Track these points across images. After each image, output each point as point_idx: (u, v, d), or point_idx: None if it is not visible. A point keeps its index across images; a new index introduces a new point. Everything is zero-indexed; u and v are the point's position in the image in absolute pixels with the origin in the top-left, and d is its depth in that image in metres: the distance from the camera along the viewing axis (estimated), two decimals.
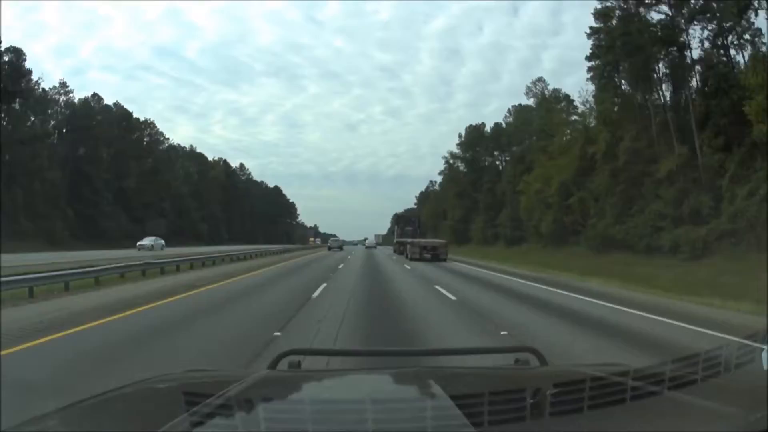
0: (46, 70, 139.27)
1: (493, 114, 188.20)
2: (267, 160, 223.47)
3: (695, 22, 29.24)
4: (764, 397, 1.15)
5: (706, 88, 28.03)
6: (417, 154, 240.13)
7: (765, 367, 1.41)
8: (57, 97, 57.81)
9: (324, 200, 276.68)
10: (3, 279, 10.89)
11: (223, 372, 2.67)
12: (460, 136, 69.48)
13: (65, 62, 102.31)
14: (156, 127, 75.07)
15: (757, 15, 26.58)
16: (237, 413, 1.22)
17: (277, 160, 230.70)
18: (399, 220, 49.47)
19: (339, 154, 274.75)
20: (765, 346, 1.47)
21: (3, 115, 47.53)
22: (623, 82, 34.43)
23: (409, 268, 24.80)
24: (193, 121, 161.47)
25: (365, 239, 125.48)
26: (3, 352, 6.10)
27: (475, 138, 67.10)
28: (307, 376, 1.85)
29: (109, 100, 65.93)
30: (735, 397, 1.30)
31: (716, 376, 1.37)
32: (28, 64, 50.16)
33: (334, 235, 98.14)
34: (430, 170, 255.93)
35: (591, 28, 34.33)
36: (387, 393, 1.61)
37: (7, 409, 2.79)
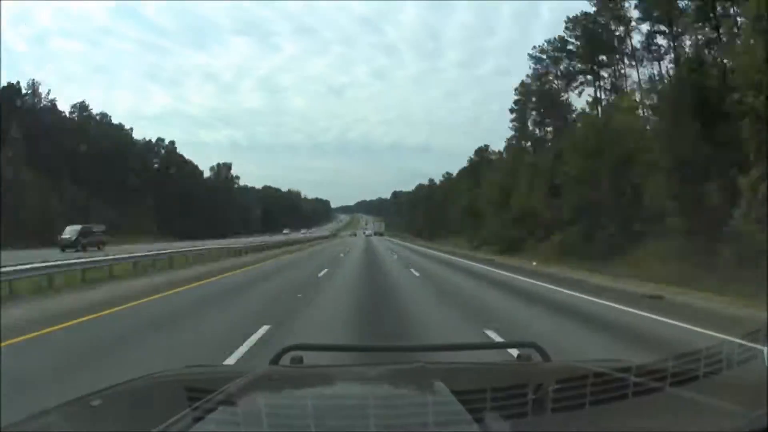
0: (7, 43, 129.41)
1: (487, 77, 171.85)
2: (252, 130, 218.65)
3: None
4: (765, 394, 1.15)
5: None
6: (410, 121, 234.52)
7: (767, 365, 1.41)
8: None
9: (317, 172, 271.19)
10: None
11: (225, 367, 2.68)
12: None
13: (25, 31, 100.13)
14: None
15: None
16: (239, 409, 1.22)
17: (263, 130, 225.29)
18: None
19: (327, 122, 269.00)
20: (766, 346, 1.48)
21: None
22: None
23: None
24: (167, 89, 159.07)
25: (365, 231, 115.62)
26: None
27: None
28: (309, 372, 1.85)
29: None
30: (736, 394, 1.30)
31: (718, 373, 1.37)
32: None
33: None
34: (426, 140, 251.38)
35: None
36: (389, 388, 1.62)
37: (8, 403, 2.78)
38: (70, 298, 11.65)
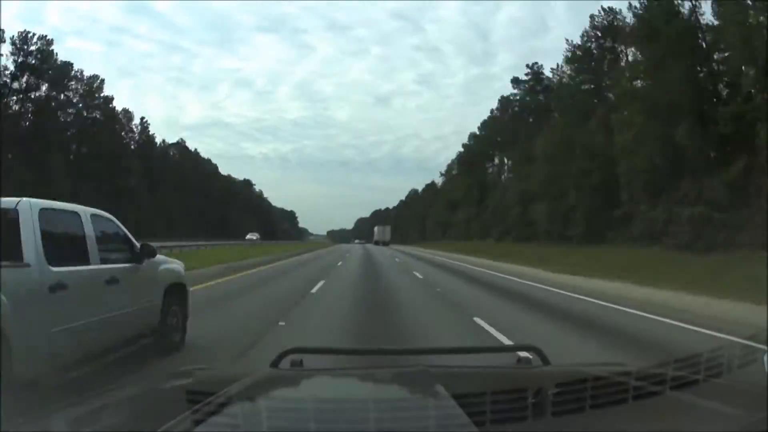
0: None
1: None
2: (300, 143, 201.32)
3: None
4: (765, 398, 1.15)
5: None
6: (465, 138, 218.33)
7: (767, 369, 1.41)
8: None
9: (369, 191, 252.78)
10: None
11: (225, 370, 2.68)
12: None
13: (38, 30, 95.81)
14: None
15: None
16: (239, 411, 1.23)
17: (311, 144, 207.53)
18: None
19: (378, 137, 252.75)
20: (766, 349, 1.48)
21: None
22: None
23: None
24: (200, 96, 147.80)
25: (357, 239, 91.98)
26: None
27: None
28: (309, 375, 1.85)
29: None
30: (736, 397, 1.30)
31: (718, 377, 1.37)
32: None
33: None
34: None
35: None
36: (389, 392, 1.62)
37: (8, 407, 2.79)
38: None
